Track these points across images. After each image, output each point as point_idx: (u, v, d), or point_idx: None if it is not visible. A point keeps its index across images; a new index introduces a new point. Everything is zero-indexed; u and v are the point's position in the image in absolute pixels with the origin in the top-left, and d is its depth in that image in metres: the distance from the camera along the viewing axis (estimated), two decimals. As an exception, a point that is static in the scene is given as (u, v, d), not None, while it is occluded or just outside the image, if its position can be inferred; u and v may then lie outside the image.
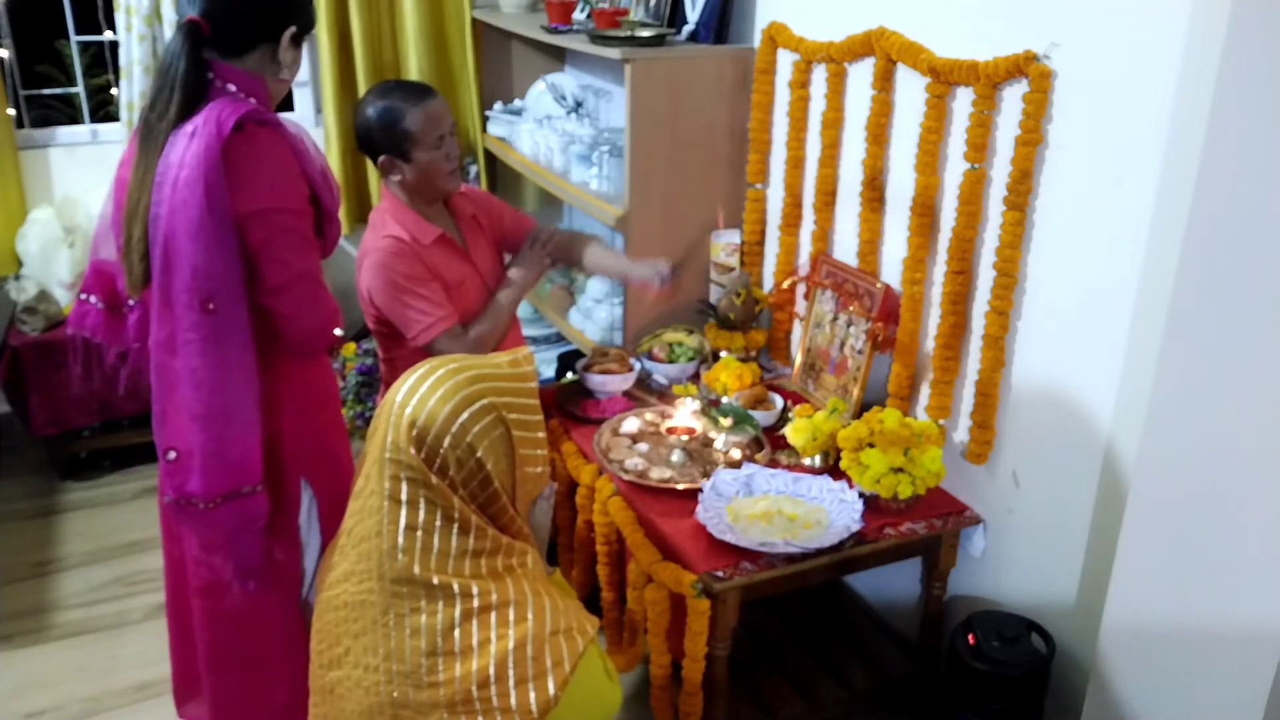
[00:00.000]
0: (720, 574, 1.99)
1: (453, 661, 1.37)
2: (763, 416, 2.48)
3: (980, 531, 2.27)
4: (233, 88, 1.73)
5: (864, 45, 2.37)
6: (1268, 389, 1.94)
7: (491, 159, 3.83)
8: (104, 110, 4.27)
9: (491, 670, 1.37)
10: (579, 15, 3.26)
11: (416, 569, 1.39)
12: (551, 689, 1.38)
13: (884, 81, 2.34)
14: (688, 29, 2.87)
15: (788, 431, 2.34)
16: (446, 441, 1.39)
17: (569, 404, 2.64)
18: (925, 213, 2.27)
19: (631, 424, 2.49)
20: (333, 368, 2.10)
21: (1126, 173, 1.85)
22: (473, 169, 3.81)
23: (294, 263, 1.75)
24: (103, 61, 3.98)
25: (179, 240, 1.64)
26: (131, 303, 1.96)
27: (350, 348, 3.53)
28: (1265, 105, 1.71)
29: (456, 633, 1.37)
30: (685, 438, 2.40)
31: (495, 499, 1.44)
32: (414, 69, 3.66)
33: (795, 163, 2.69)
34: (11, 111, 3.46)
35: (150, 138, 1.71)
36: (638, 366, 2.72)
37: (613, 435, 2.46)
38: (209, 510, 1.76)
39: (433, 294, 2.24)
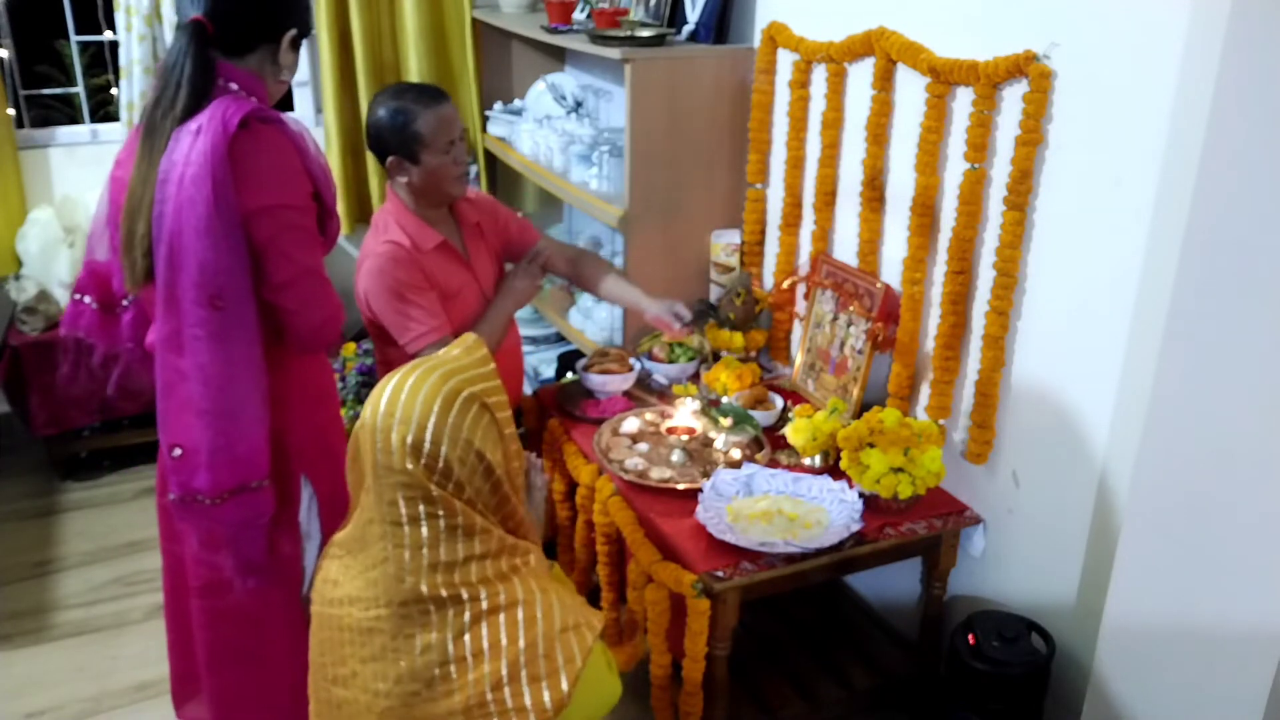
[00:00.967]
0: (720, 574, 1.99)
1: (465, 667, 1.37)
2: (763, 416, 2.48)
3: (980, 531, 2.27)
4: (235, 87, 1.75)
5: (864, 45, 2.37)
6: (1267, 389, 1.94)
7: (491, 159, 3.83)
8: (104, 110, 4.28)
9: (504, 671, 1.37)
10: (579, 15, 3.26)
11: (424, 588, 1.39)
12: (565, 686, 1.38)
13: (884, 81, 2.34)
14: (688, 29, 2.87)
15: (788, 431, 2.34)
16: (444, 446, 1.39)
17: (569, 404, 2.64)
18: (925, 213, 2.27)
19: (631, 424, 2.49)
20: (331, 365, 2.10)
21: (1126, 173, 1.85)
22: (472, 169, 3.81)
23: (299, 259, 1.77)
24: (103, 61, 3.99)
25: (186, 237, 1.65)
26: (125, 303, 1.96)
27: (350, 348, 3.53)
28: (1265, 105, 1.71)
29: (466, 637, 1.38)
30: (685, 438, 2.40)
31: (498, 488, 1.45)
32: (414, 69, 3.66)
33: (795, 163, 2.69)
34: (11, 111, 3.47)
35: (153, 135, 1.71)
36: (638, 366, 2.72)
37: (613, 435, 2.46)
38: (215, 506, 1.77)
39: (428, 303, 2.24)
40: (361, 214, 3.85)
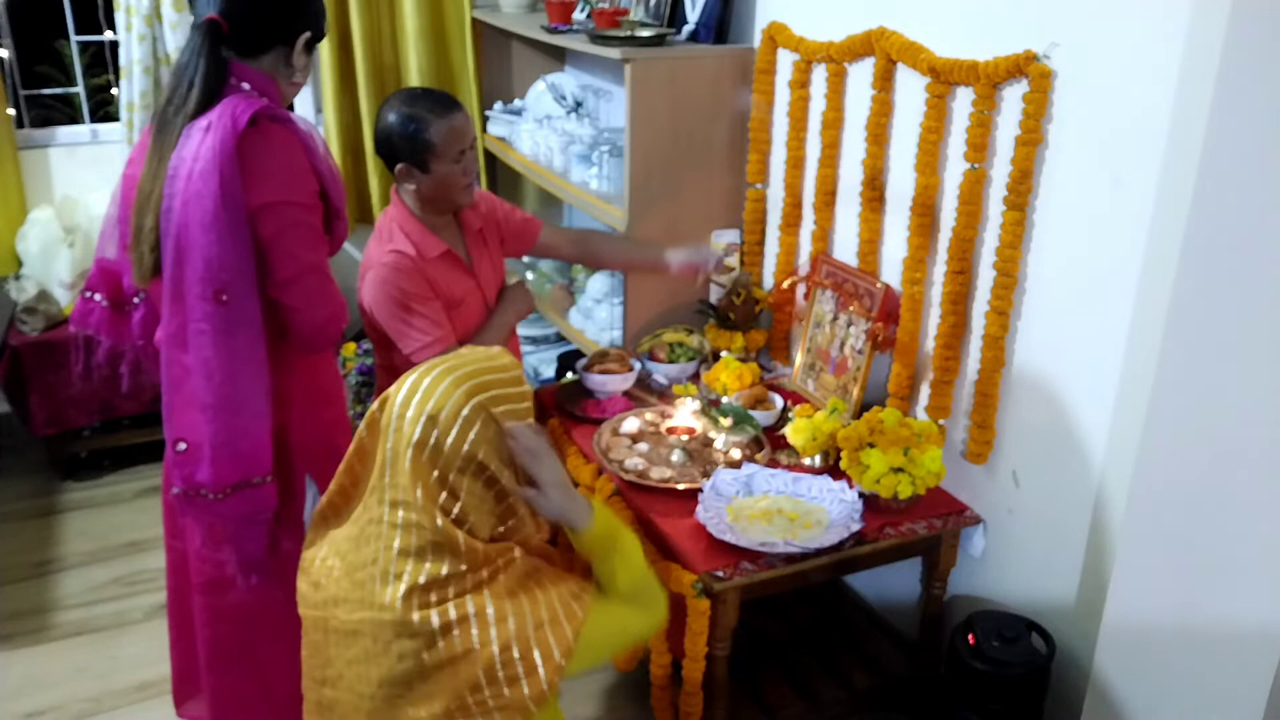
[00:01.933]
0: (720, 574, 1.99)
1: (442, 673, 1.38)
2: (763, 416, 2.48)
3: (980, 531, 2.27)
4: (247, 86, 1.76)
5: (864, 45, 2.37)
6: (1268, 389, 1.94)
7: (491, 159, 3.83)
8: (104, 110, 4.28)
9: (482, 677, 1.38)
10: (579, 15, 3.26)
11: (402, 589, 1.39)
12: (543, 680, 1.39)
13: (884, 81, 2.34)
14: (688, 29, 2.87)
15: (788, 431, 2.34)
16: (446, 452, 1.39)
17: (569, 404, 2.64)
18: (925, 213, 2.27)
19: (631, 424, 2.50)
20: (337, 366, 2.11)
21: (1126, 173, 1.85)
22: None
23: (303, 256, 1.78)
24: (103, 61, 3.99)
25: (192, 231, 1.66)
26: (136, 300, 1.96)
27: (350, 348, 3.54)
28: (1265, 105, 1.71)
29: (440, 645, 1.38)
30: (685, 438, 2.40)
31: (501, 497, 1.45)
32: (414, 69, 3.67)
33: (795, 163, 2.70)
34: (11, 111, 3.47)
35: (165, 131, 1.73)
36: (638, 366, 2.72)
37: (613, 435, 2.46)
38: (218, 501, 1.77)
39: (432, 313, 2.23)
40: (361, 214, 3.86)
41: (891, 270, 2.44)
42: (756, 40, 2.77)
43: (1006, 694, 2.07)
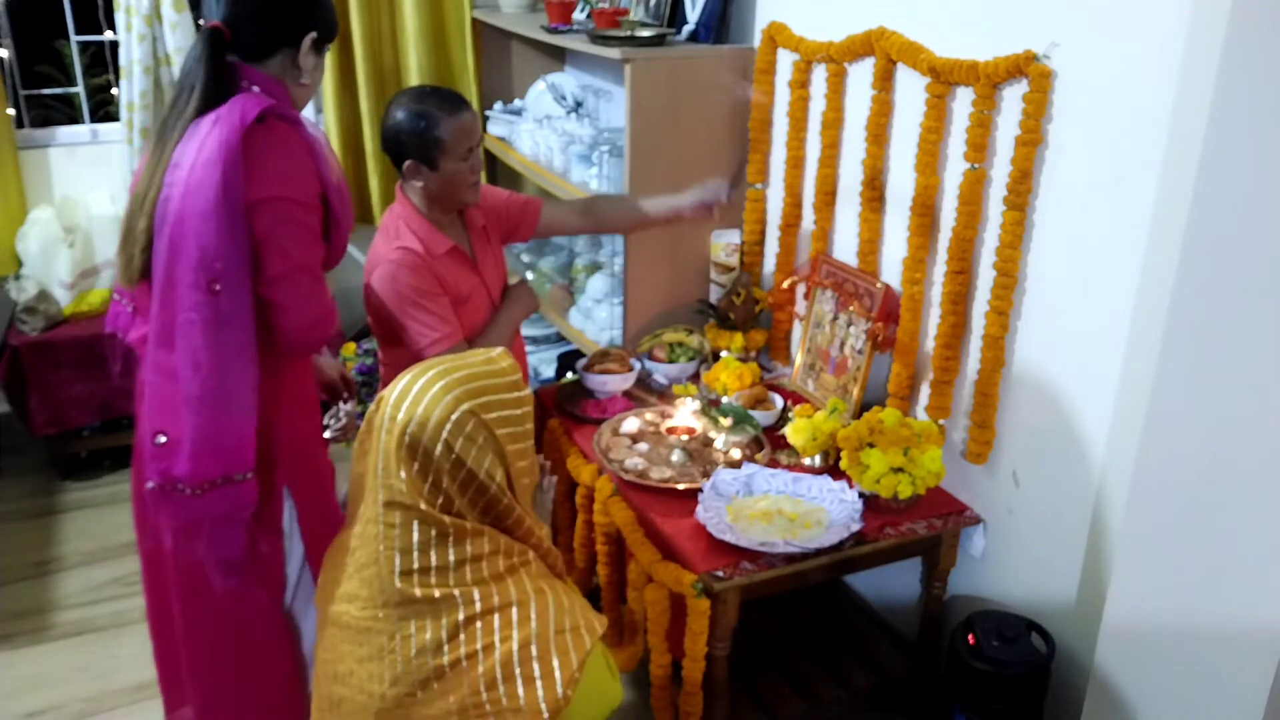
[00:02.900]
0: (720, 574, 1.99)
1: (459, 668, 1.37)
2: (763, 416, 2.48)
3: (980, 531, 2.27)
4: (256, 89, 1.76)
5: (864, 45, 2.37)
6: (1268, 389, 1.94)
7: (491, 159, 3.83)
8: (104, 110, 4.27)
9: (498, 671, 1.37)
10: (579, 15, 3.26)
11: (418, 590, 1.39)
12: (560, 688, 1.38)
13: (884, 81, 2.34)
14: (688, 29, 2.87)
15: (788, 431, 2.34)
16: (436, 458, 1.40)
17: (569, 404, 2.64)
18: (925, 213, 2.27)
19: (631, 424, 2.49)
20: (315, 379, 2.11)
21: (1126, 173, 1.85)
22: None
23: (296, 254, 1.76)
24: (103, 61, 3.99)
25: (191, 220, 1.66)
26: (119, 299, 1.95)
27: (350, 348, 3.53)
28: (1265, 105, 1.71)
29: (461, 637, 1.38)
30: (685, 438, 2.40)
31: (493, 504, 1.45)
32: (414, 69, 3.67)
33: (795, 163, 2.69)
34: (11, 111, 3.47)
35: (165, 135, 1.74)
36: (638, 366, 2.72)
37: (613, 435, 2.46)
38: (195, 496, 1.74)
39: (441, 309, 2.23)
40: (362, 214, 3.86)
41: (891, 270, 2.44)
42: (756, 40, 2.77)
43: (1006, 694, 2.07)
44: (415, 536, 1.39)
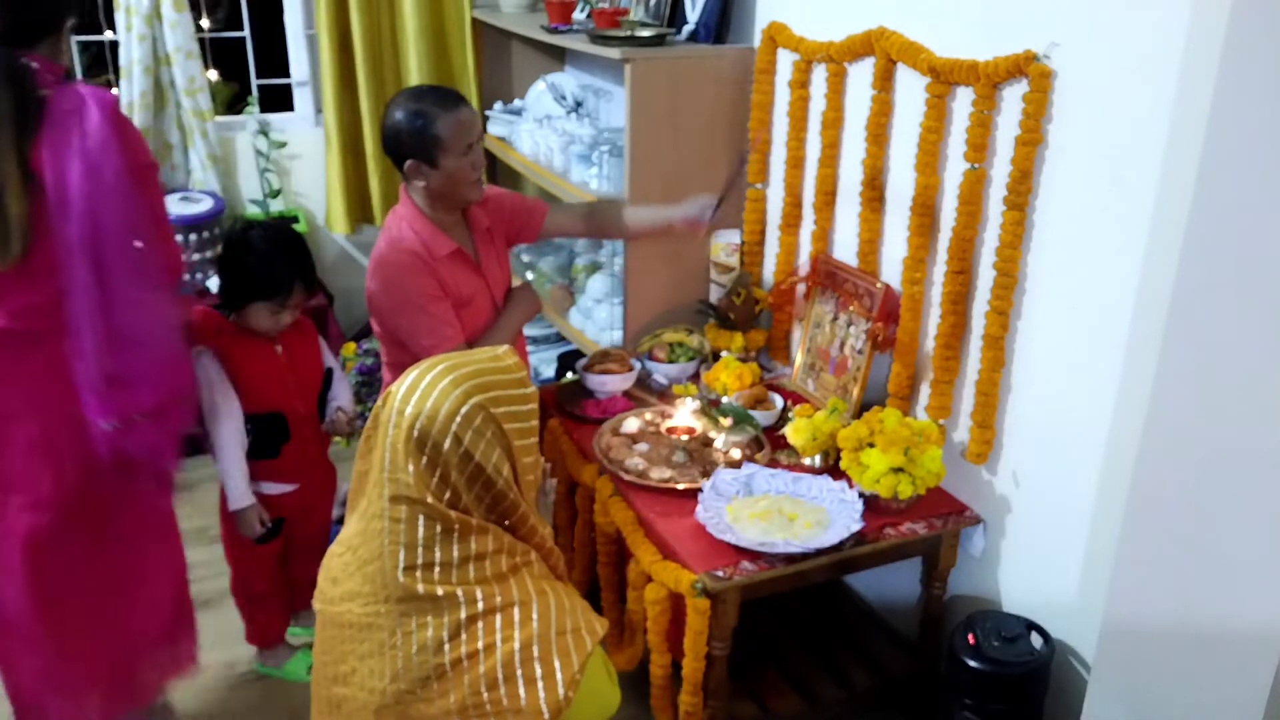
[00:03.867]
0: (720, 574, 2.00)
1: (460, 668, 1.37)
2: (763, 416, 2.48)
3: (980, 531, 2.27)
4: (36, 66, 1.87)
5: (864, 45, 2.37)
6: (1268, 389, 1.94)
7: (492, 159, 3.83)
8: (104, 110, 4.25)
9: (499, 671, 1.37)
10: (579, 15, 3.26)
11: (420, 587, 1.39)
12: (561, 689, 1.38)
13: (884, 81, 2.34)
14: (688, 29, 2.87)
15: (788, 431, 2.34)
16: (445, 452, 1.40)
17: (569, 404, 2.64)
18: (925, 213, 2.27)
19: (631, 424, 2.50)
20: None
21: (1126, 173, 1.85)
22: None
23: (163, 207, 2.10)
24: (103, 61, 3.98)
25: (106, 195, 1.84)
26: None
27: (350, 347, 3.53)
28: (1265, 105, 1.70)
29: (463, 636, 1.38)
30: (685, 438, 2.40)
31: (500, 499, 1.45)
32: (414, 69, 3.67)
33: (795, 163, 2.69)
34: None
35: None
36: (638, 366, 2.72)
37: (613, 435, 2.46)
38: (152, 422, 1.98)
39: (442, 312, 2.23)
40: (362, 214, 3.86)
41: (891, 270, 2.44)
42: (756, 40, 2.77)
43: (1006, 693, 2.07)
44: (420, 531, 1.39)
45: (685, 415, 2.47)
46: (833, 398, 2.50)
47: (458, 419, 1.40)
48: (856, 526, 2.08)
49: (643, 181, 2.76)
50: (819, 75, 2.58)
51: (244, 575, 2.53)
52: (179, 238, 3.29)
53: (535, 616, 1.41)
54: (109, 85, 3.65)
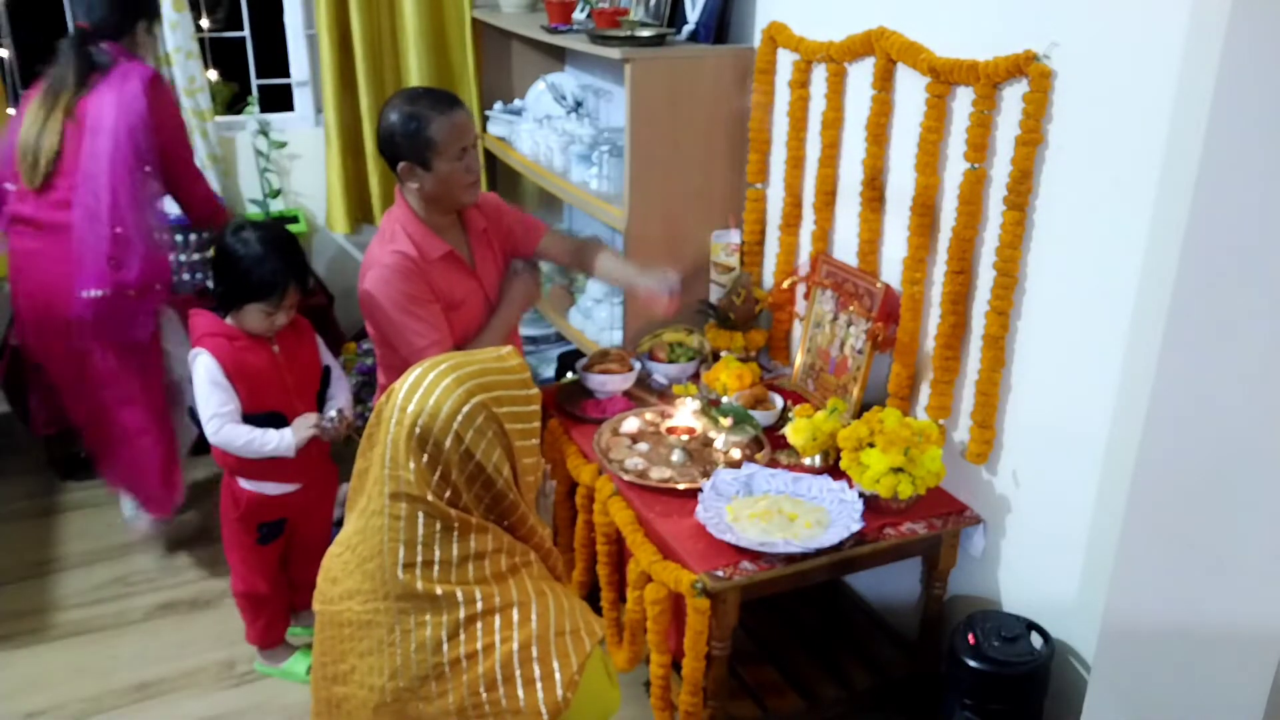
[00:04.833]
0: (720, 574, 1.99)
1: (459, 668, 1.37)
2: (763, 416, 2.48)
3: (980, 531, 2.27)
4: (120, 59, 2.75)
5: (864, 45, 2.37)
6: (1268, 389, 1.94)
7: (491, 159, 3.83)
8: (104, 110, 4.25)
9: (498, 672, 1.37)
10: (579, 15, 3.26)
11: (419, 585, 1.39)
12: (560, 690, 1.38)
13: (884, 81, 2.34)
14: (688, 29, 2.87)
15: (788, 431, 2.34)
16: (446, 450, 1.39)
17: (569, 404, 2.64)
18: (925, 213, 2.27)
19: (631, 424, 2.50)
20: None
21: (1126, 173, 1.85)
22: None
23: (187, 149, 3.00)
24: (103, 61, 3.97)
25: (128, 132, 2.66)
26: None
27: (350, 347, 3.53)
28: (1265, 105, 1.71)
29: (462, 636, 1.37)
30: (685, 438, 2.40)
31: (500, 499, 1.45)
32: (414, 69, 3.67)
33: (795, 163, 2.69)
34: (11, 111, 3.46)
35: (55, 96, 2.73)
36: (638, 366, 2.72)
37: (613, 435, 2.46)
38: (137, 298, 2.71)
39: (431, 316, 2.23)
40: (362, 214, 3.85)
41: (891, 270, 2.44)
42: (756, 40, 2.77)
43: (1006, 693, 2.07)
44: (420, 529, 1.39)
45: (685, 415, 2.47)
46: (833, 398, 2.50)
47: (459, 417, 1.39)
48: (856, 526, 2.08)
49: (643, 181, 2.76)
50: (819, 75, 2.58)
51: (244, 575, 2.53)
52: (178, 237, 3.32)
53: (534, 617, 1.40)
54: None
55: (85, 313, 2.68)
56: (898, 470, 2.13)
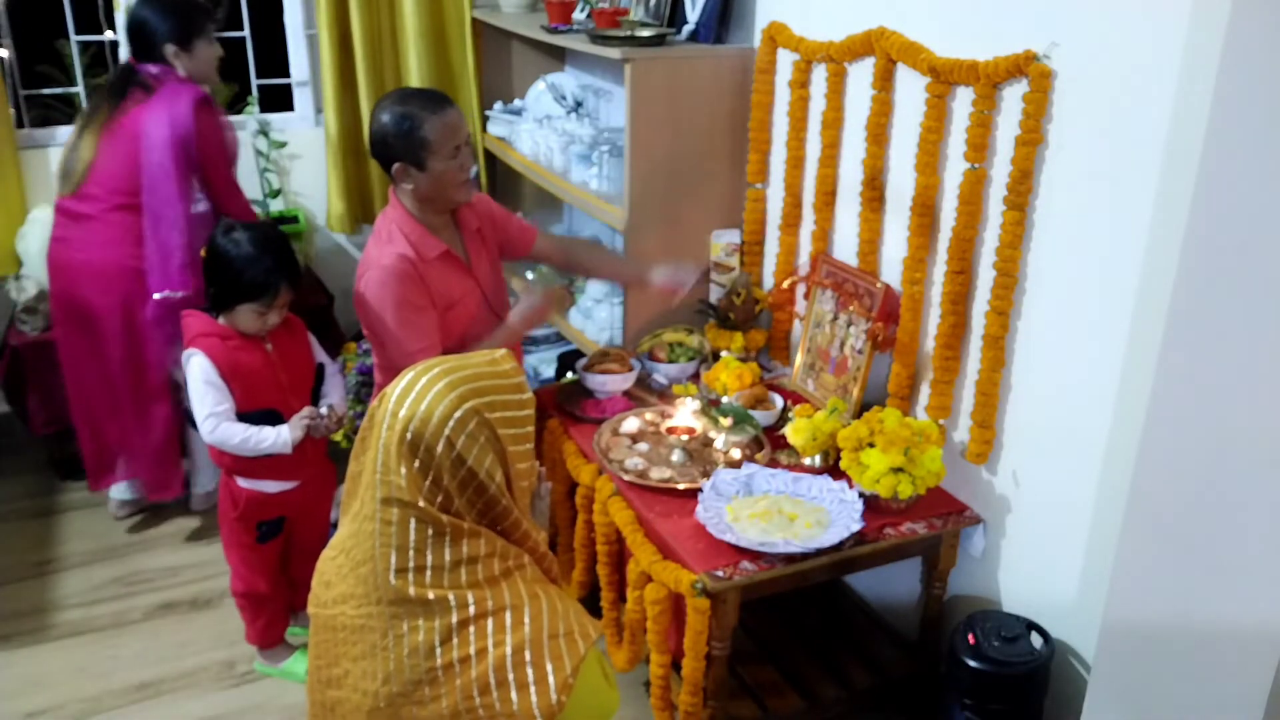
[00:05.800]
0: (720, 574, 1.99)
1: (452, 673, 1.37)
2: (763, 416, 2.48)
3: (980, 531, 2.27)
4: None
5: (864, 45, 2.37)
6: (1268, 389, 1.94)
7: (491, 159, 3.83)
8: (104, 110, 4.25)
9: (491, 676, 1.36)
10: (579, 15, 3.26)
11: (412, 590, 1.38)
12: (554, 694, 1.37)
13: (884, 81, 2.34)
14: (688, 29, 2.87)
15: (788, 431, 2.34)
16: (438, 456, 1.39)
17: (569, 404, 2.64)
18: (925, 213, 2.27)
19: (631, 424, 2.49)
20: None
21: (1126, 173, 1.85)
22: (473, 169, 3.81)
23: (227, 166, 3.03)
24: (103, 61, 3.98)
25: (166, 145, 2.82)
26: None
27: (350, 347, 3.53)
28: (1265, 105, 1.71)
29: (454, 641, 1.37)
30: (685, 438, 2.40)
31: (492, 504, 1.44)
32: (414, 69, 3.66)
33: (795, 163, 2.69)
34: (12, 111, 3.46)
35: (95, 114, 2.94)
36: (638, 366, 2.72)
37: (613, 435, 2.46)
38: (180, 300, 2.81)
39: (424, 322, 2.24)
40: (363, 214, 3.85)
41: (891, 270, 2.44)
42: (756, 40, 2.77)
43: (1006, 694, 2.07)
44: (412, 534, 1.39)
45: (685, 415, 2.47)
46: (833, 398, 2.50)
47: (451, 423, 1.39)
48: (856, 526, 2.08)
49: (643, 181, 2.76)
50: (819, 75, 2.58)
51: (244, 575, 2.52)
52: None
53: (527, 621, 1.40)
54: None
55: (158, 310, 2.87)
56: (898, 470, 2.13)
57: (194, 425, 2.34)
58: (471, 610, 1.38)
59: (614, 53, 2.68)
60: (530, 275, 3.55)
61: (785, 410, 2.55)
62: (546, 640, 1.40)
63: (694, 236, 2.90)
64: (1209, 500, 2.00)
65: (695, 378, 2.73)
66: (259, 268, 2.26)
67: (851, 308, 2.51)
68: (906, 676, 2.39)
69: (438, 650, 1.37)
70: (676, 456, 2.35)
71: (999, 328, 2.13)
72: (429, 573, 1.39)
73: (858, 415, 2.39)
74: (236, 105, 3.98)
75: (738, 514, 2.12)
